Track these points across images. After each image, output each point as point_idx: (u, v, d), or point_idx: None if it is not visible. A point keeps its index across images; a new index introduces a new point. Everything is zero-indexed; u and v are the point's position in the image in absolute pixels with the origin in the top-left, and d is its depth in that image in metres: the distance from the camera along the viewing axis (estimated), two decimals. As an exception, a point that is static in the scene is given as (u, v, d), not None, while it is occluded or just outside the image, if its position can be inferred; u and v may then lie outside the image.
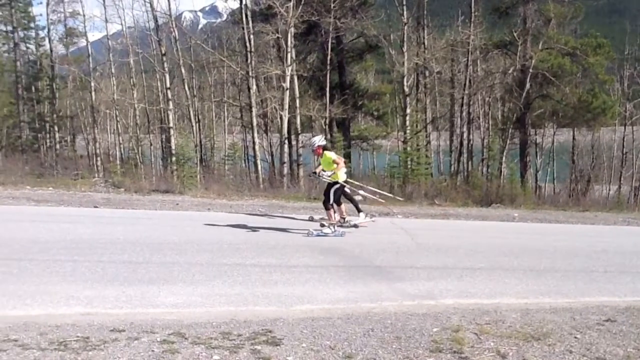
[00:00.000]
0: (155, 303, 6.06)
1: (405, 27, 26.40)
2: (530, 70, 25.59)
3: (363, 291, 7.07)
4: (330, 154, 10.54)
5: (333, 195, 10.48)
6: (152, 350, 4.62)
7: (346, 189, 11.42)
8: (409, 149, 25.32)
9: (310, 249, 9.25)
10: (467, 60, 27.60)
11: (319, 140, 10.69)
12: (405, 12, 26.36)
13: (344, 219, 10.76)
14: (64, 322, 5.22)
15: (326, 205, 10.49)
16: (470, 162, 29.25)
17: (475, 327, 5.72)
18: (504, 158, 26.54)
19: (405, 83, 26.73)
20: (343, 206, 11.01)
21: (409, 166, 23.69)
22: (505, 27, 28.95)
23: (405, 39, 26.33)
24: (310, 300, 6.58)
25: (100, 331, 5.04)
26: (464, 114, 29.08)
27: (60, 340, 4.73)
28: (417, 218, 14.22)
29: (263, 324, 5.55)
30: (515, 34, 26.84)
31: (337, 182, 10.51)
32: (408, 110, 27.28)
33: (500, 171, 25.92)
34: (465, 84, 28.11)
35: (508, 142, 27.15)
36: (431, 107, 32.69)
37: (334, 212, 10.57)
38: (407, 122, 27.15)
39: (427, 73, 30.24)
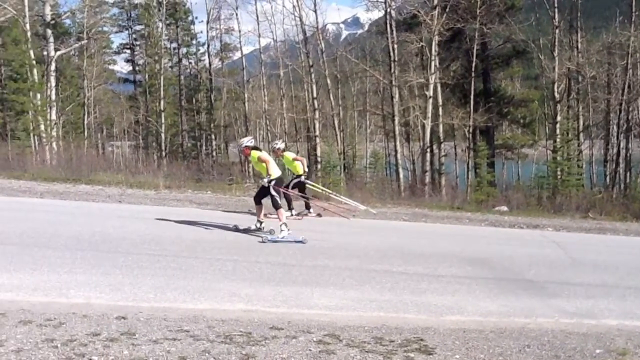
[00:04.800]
0: (310, 304, 6.32)
1: (557, 31, 25.12)
2: None
3: (515, 305, 6.85)
4: (256, 153, 10.03)
5: (277, 194, 9.86)
6: (310, 350, 4.83)
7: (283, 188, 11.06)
8: (559, 158, 23.97)
9: (458, 259, 9.12)
10: (626, 63, 25.64)
11: (247, 141, 10.31)
12: (556, 15, 25.13)
13: (261, 222, 10.04)
14: (228, 317, 5.60)
15: (275, 205, 9.84)
16: (628, 173, 27.00)
17: (645, 352, 5.32)
18: (669, 169, 24.17)
19: (555, 89, 25.45)
20: (262, 207, 10.20)
21: (559, 177, 22.44)
22: (672, 26, 26.37)
23: (556, 43, 25.10)
24: (461, 311, 6.51)
25: (260, 328, 5.35)
26: (622, 121, 26.99)
27: (226, 334, 5.08)
28: (569, 232, 13.42)
29: (414, 331, 5.58)
30: (684, 33, 24.39)
31: (271, 181, 9.83)
32: (558, 118, 25.91)
33: (665, 183, 23.65)
34: (623, 89, 26.06)
35: (675, 151, 24.70)
36: (584, 114, 30.59)
37: (284, 209, 10.08)
38: (557, 130, 25.77)
39: (580, 78, 28.40)
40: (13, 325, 4.80)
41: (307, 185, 12.90)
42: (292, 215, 11.86)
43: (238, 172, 28.23)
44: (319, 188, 14.39)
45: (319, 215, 12.77)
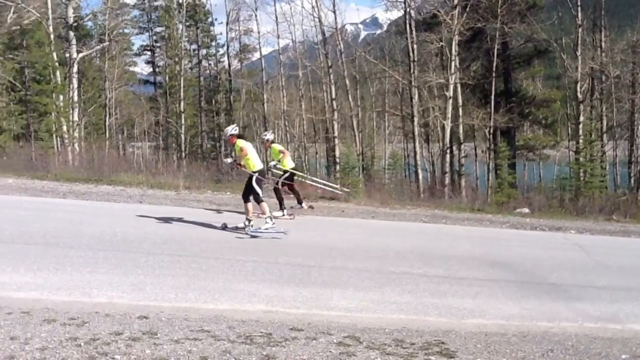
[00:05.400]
0: (329, 306, 6.31)
1: (580, 29, 24.81)
2: None
3: (538, 309, 6.78)
4: (240, 142, 9.99)
5: (258, 187, 9.81)
6: (330, 351, 4.81)
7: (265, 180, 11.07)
8: (581, 159, 23.65)
9: (479, 261, 9.04)
10: (652, 62, 25.19)
11: (231, 129, 10.23)
12: (579, 13, 24.80)
13: (250, 220, 9.85)
14: (249, 318, 5.61)
15: (257, 199, 9.82)
16: (653, 175, 26.57)
17: (673, 358, 5.21)
18: (696, 171, 23.70)
19: (578, 89, 25.12)
20: (250, 205, 9.96)
21: (582, 178, 22.16)
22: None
23: (579, 42, 24.79)
24: (482, 314, 6.45)
25: (281, 329, 5.35)
26: (647, 121, 26.53)
27: (246, 334, 5.09)
28: (593, 234, 13.24)
29: (435, 334, 5.54)
30: None
31: (254, 172, 9.84)
32: (581, 118, 25.58)
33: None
34: (649, 89, 25.63)
35: (701, 152, 24.22)
36: (607, 114, 30.15)
37: (265, 203, 9.96)
38: (580, 131, 25.44)
39: (603, 78, 28.00)
40: (37, 323, 4.87)
41: (294, 176, 12.88)
42: (283, 215, 11.78)
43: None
44: (302, 176, 14.58)
45: (310, 207, 12.80)
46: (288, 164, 12.48)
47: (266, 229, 9.64)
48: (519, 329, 5.95)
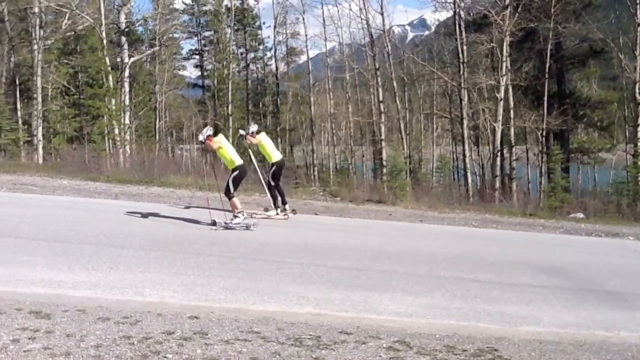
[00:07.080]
0: (379, 310, 6.24)
1: (639, 28, 23.89)
2: None
3: (595, 317, 6.54)
4: (216, 138, 10.22)
5: (232, 184, 10.01)
6: (380, 356, 4.75)
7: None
8: (640, 163, 22.80)
9: (532, 267, 8.79)
10: None
11: (206, 131, 10.27)
12: (638, 12, 23.87)
13: (236, 216, 9.92)
14: (297, 320, 5.60)
15: (228, 195, 10.03)
16: None
17: None
18: None
19: (636, 90, 24.21)
20: (236, 200, 10.11)
21: (641, 182, 21.36)
22: None
23: (637, 41, 23.85)
24: (536, 321, 6.27)
25: (330, 332, 5.32)
26: None
27: (295, 336, 5.08)
28: (653, 241, 12.72)
29: (487, 341, 5.40)
30: None
31: (235, 169, 10.03)
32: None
33: None
34: None
35: None
36: (667, 116, 28.94)
37: (236, 199, 10.20)
38: (639, 134, 24.47)
39: (663, 78, 26.90)
40: (92, 321, 4.98)
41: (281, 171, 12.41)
42: (277, 214, 11.63)
43: (303, 175, 28.46)
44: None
45: (293, 211, 12.17)
46: (274, 156, 11.98)
47: (237, 223, 9.92)
48: (575, 338, 5.77)
